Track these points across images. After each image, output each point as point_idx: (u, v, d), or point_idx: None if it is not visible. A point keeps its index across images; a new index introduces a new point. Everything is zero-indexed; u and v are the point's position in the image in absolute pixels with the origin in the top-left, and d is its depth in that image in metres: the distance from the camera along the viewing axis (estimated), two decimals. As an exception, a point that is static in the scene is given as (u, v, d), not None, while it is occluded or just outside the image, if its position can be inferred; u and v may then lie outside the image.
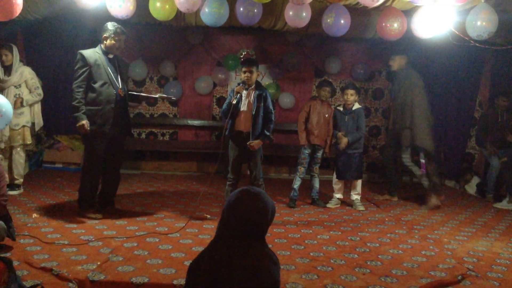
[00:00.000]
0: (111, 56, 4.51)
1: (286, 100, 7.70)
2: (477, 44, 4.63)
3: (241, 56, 7.50)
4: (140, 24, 6.36)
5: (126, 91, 4.64)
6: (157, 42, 7.36)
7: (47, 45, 6.98)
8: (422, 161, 5.83)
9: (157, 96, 5.02)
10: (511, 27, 5.04)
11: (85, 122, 4.25)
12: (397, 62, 6.01)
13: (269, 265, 1.90)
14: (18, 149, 5.46)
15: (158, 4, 4.79)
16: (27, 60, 6.48)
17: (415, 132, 5.73)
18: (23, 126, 5.43)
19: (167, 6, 4.77)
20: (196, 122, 7.69)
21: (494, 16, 4.52)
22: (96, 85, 4.35)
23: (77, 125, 4.27)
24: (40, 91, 5.58)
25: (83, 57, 4.33)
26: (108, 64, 4.44)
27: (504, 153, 6.29)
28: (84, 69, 4.32)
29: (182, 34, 7.31)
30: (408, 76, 5.87)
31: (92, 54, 4.39)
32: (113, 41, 4.42)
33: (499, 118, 6.42)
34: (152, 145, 7.63)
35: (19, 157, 5.46)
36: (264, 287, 1.84)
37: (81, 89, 4.30)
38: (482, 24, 4.51)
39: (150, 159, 7.73)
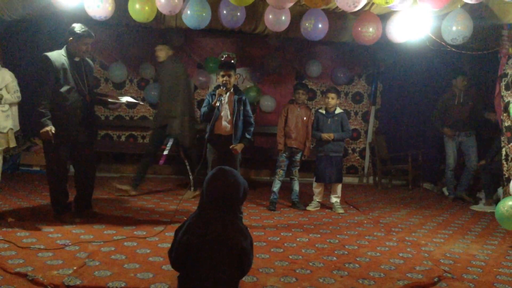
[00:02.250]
0: (77, 59, 4.33)
1: (267, 103, 7.72)
2: (452, 49, 4.72)
3: (222, 59, 7.51)
4: (119, 25, 6.31)
5: (93, 95, 4.55)
6: (137, 44, 7.32)
7: (24, 46, 6.86)
8: (165, 153, 6.05)
9: (124, 101, 4.82)
10: (486, 33, 5.15)
11: (49, 128, 4.08)
12: (164, 52, 5.91)
13: (238, 236, 2.30)
14: None
15: (137, 6, 4.76)
16: (3, 62, 6.36)
17: (177, 122, 5.80)
18: (10, 129, 5.33)
19: (146, 8, 4.75)
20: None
21: (469, 21, 4.62)
22: (62, 90, 4.19)
23: (41, 131, 4.08)
24: (18, 94, 5.45)
25: (49, 60, 4.13)
26: (74, 68, 4.29)
27: (464, 137, 6.51)
28: (50, 73, 4.13)
29: (163, 36, 7.26)
30: (175, 67, 5.90)
31: (58, 57, 4.20)
32: (79, 44, 4.25)
33: (456, 100, 6.55)
34: (132, 148, 7.56)
35: None
36: (231, 253, 2.26)
37: (46, 94, 4.13)
38: (457, 28, 4.61)
39: (130, 161, 7.65)
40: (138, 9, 4.79)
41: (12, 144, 5.43)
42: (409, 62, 7.14)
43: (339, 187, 5.65)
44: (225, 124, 4.57)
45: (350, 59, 7.80)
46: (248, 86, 7.67)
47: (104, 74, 7.47)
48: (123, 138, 7.65)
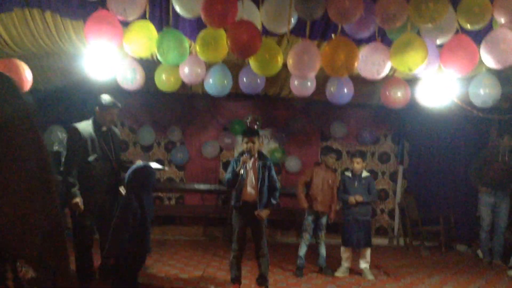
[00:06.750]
0: (104, 128, 4.44)
1: (292, 164, 7.71)
2: (479, 114, 4.66)
3: (247, 121, 7.61)
4: (148, 92, 6.50)
5: (119, 163, 4.63)
6: (164, 109, 7.53)
7: (58, 115, 7.07)
8: None
9: None
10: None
11: (79, 199, 4.15)
12: None
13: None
14: None
15: (163, 77, 4.90)
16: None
17: None
18: None
19: (171, 79, 4.88)
20: (202, 186, 7.68)
21: (497, 83, 4.57)
22: (90, 159, 4.26)
23: (72, 202, 4.15)
24: None
25: (77, 131, 4.24)
26: (101, 137, 4.39)
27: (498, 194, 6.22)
28: (78, 144, 4.23)
29: (189, 101, 7.47)
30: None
31: (86, 127, 4.32)
32: (106, 115, 4.40)
33: (499, 158, 6.34)
34: (158, 209, 7.58)
35: None
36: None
37: (75, 164, 4.22)
38: (485, 91, 4.56)
39: (156, 223, 7.65)
40: (164, 80, 4.93)
41: None
42: (437, 123, 7.05)
43: (368, 251, 5.48)
44: (250, 190, 4.56)
45: (376, 120, 7.80)
46: (273, 147, 7.71)
47: (133, 138, 7.65)
48: (149, 200, 7.69)
